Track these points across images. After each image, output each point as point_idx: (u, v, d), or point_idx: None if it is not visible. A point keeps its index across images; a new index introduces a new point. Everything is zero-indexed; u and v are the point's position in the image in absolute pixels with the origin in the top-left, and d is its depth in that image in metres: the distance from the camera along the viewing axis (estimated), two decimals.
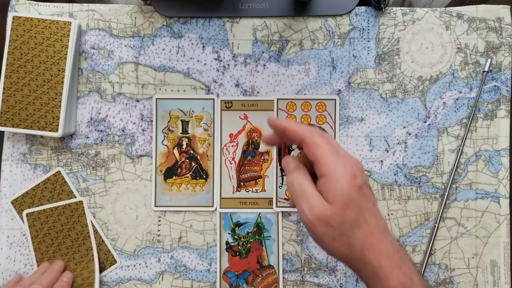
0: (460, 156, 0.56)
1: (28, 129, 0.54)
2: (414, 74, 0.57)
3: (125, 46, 0.58)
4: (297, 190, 0.36)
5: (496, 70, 0.56)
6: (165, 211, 0.57)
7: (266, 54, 0.57)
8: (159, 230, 0.57)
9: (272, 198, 0.56)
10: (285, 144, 0.56)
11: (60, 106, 0.54)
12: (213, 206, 0.56)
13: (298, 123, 0.39)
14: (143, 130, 0.57)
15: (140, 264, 0.56)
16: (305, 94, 0.57)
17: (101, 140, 0.57)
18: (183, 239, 0.57)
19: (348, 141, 0.57)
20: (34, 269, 0.56)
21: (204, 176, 0.57)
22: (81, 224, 0.56)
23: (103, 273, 0.56)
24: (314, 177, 0.37)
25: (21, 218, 0.56)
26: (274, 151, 0.57)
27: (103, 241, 0.56)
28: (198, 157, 0.57)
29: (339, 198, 0.34)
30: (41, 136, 0.57)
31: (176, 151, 0.57)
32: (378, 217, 0.36)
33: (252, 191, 0.57)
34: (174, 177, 0.57)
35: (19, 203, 0.56)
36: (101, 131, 0.57)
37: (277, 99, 0.57)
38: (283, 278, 0.56)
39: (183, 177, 0.57)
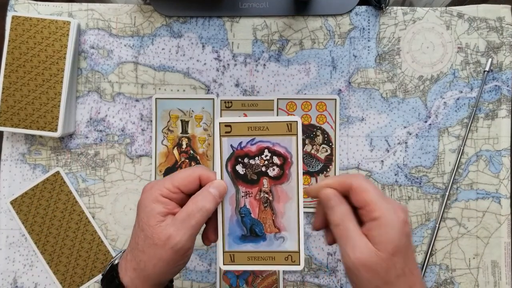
0: (461, 156, 0.55)
1: (27, 129, 0.54)
2: (414, 74, 0.56)
3: (125, 45, 0.57)
4: (342, 230, 0.34)
5: (497, 70, 0.56)
6: None
7: (266, 53, 0.57)
8: None
9: None
10: None
11: (59, 106, 0.54)
12: None
13: (336, 176, 0.37)
14: (142, 130, 0.57)
15: None
16: (305, 94, 0.57)
17: (101, 140, 0.57)
18: None
19: (349, 141, 0.56)
20: (34, 267, 0.56)
21: None
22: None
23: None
24: None
25: (19, 217, 0.56)
26: None
27: (102, 241, 0.56)
28: (198, 157, 0.57)
29: (389, 245, 0.32)
30: (40, 136, 0.57)
31: (175, 151, 0.57)
32: (417, 267, 0.35)
33: None
34: None
35: (18, 204, 0.56)
36: (101, 131, 0.57)
37: (277, 99, 0.57)
38: (283, 278, 0.56)
39: None
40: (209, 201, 0.36)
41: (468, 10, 0.56)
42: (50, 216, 0.56)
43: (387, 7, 0.56)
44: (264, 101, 0.57)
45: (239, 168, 0.37)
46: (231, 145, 0.37)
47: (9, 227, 0.56)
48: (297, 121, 0.36)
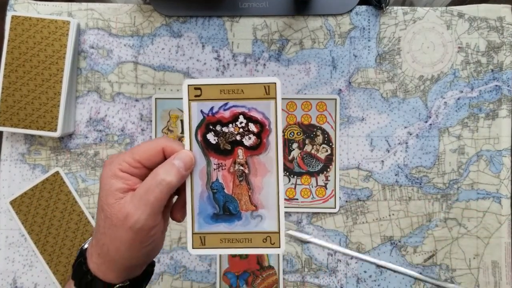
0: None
1: (26, 129, 0.54)
2: (415, 74, 0.56)
3: (124, 45, 0.57)
4: None
5: (497, 70, 0.56)
6: None
7: (266, 53, 0.57)
8: None
9: None
10: (285, 143, 0.56)
11: (59, 105, 0.53)
12: None
13: None
14: (142, 130, 0.57)
15: None
16: (305, 93, 0.57)
17: (100, 140, 0.57)
18: (182, 240, 0.56)
19: (349, 141, 0.56)
20: (34, 267, 0.56)
21: None
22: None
23: None
24: None
25: (19, 217, 0.56)
26: None
27: None
28: None
29: None
30: (40, 136, 0.57)
31: None
32: None
33: None
34: None
35: (18, 204, 0.56)
36: (100, 131, 0.57)
37: None
38: (284, 279, 0.56)
39: None
40: (171, 174, 0.32)
41: (469, 9, 0.56)
42: (49, 216, 0.56)
43: (388, 7, 0.56)
44: None
45: (211, 136, 0.33)
46: (201, 111, 0.33)
47: (9, 227, 0.56)
48: (275, 83, 0.32)
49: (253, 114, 0.33)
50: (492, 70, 0.56)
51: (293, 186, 0.56)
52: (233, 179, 0.33)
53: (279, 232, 0.33)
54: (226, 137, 0.33)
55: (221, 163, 0.33)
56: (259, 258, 0.56)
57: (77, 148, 0.57)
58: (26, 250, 0.56)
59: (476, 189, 0.55)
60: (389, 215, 0.56)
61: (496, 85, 0.56)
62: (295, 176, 0.56)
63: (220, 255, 0.56)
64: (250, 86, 0.32)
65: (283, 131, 0.56)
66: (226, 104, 0.33)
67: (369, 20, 0.57)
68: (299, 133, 0.56)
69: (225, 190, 0.33)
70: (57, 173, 0.56)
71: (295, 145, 0.56)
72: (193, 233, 0.34)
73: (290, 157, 0.56)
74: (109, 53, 0.57)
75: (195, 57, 0.57)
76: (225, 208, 0.34)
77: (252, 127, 0.33)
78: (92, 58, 0.57)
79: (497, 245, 0.55)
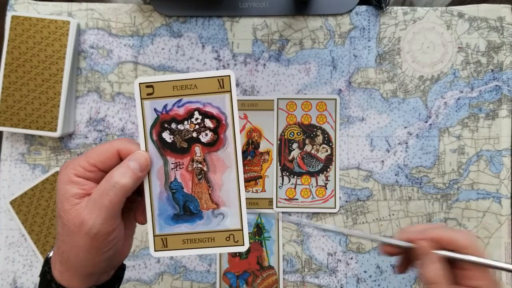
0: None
1: (26, 129, 0.54)
2: (415, 74, 0.56)
3: (124, 45, 0.57)
4: None
5: (497, 70, 0.56)
6: None
7: (266, 53, 0.57)
8: None
9: (272, 199, 0.56)
10: (285, 143, 0.56)
11: (59, 105, 0.53)
12: None
13: (438, 227, 0.34)
14: None
15: (139, 265, 0.56)
16: (305, 93, 0.57)
17: (100, 140, 0.57)
18: None
19: (349, 141, 0.56)
20: (34, 267, 0.56)
21: None
22: None
23: None
24: None
25: (19, 217, 0.56)
26: (274, 151, 0.56)
27: None
28: None
29: None
30: (40, 136, 0.57)
31: None
32: None
33: (252, 191, 0.56)
34: None
35: (18, 204, 0.56)
36: (100, 131, 0.57)
37: (277, 98, 0.57)
38: (284, 279, 0.56)
39: None
40: (126, 176, 0.31)
41: (469, 9, 0.56)
42: (49, 216, 0.56)
43: (388, 7, 0.56)
44: (264, 101, 0.57)
45: (166, 135, 0.32)
46: (155, 109, 0.32)
47: (9, 227, 0.56)
48: (229, 75, 0.32)
49: (208, 109, 0.32)
50: (492, 70, 0.56)
51: (293, 186, 0.56)
52: (192, 177, 0.33)
53: (242, 229, 0.33)
54: (182, 134, 0.33)
55: (179, 162, 0.33)
56: (259, 258, 0.56)
57: (77, 148, 0.57)
58: (26, 250, 0.56)
59: (476, 189, 0.55)
60: (389, 215, 0.56)
61: (496, 85, 0.56)
62: (295, 176, 0.56)
63: (220, 254, 0.56)
64: (203, 80, 0.32)
65: (283, 131, 0.56)
66: (180, 100, 0.32)
67: (369, 20, 0.57)
68: (299, 133, 0.56)
69: (185, 190, 0.33)
70: (57, 173, 0.56)
71: (295, 145, 0.56)
72: (154, 235, 0.33)
73: (290, 157, 0.56)
74: (109, 53, 0.57)
75: (195, 57, 0.57)
76: (186, 208, 0.33)
77: (208, 123, 0.32)
78: (92, 58, 0.57)
79: (497, 245, 0.55)
